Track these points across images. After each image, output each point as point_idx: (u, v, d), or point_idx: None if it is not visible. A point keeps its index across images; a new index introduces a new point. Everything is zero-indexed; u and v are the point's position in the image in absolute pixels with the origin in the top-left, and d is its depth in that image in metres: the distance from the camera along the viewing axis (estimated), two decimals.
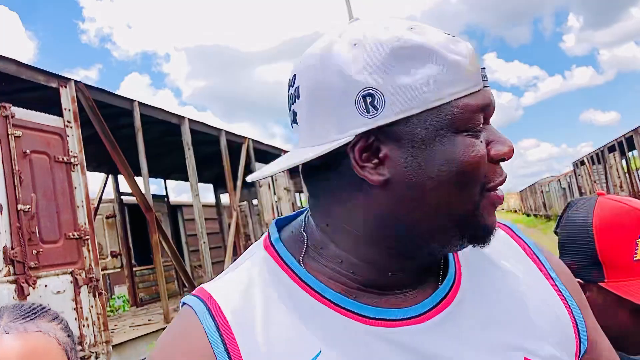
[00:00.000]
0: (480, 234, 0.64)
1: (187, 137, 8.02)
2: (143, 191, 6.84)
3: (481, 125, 0.61)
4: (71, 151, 5.45)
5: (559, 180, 29.20)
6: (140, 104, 7.05)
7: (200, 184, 8.89)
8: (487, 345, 0.64)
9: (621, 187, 19.22)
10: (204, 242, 8.05)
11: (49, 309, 0.97)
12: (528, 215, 41.91)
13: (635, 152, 18.71)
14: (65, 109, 5.52)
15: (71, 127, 5.52)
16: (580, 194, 23.01)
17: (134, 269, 10.54)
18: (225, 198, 14.47)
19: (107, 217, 10.35)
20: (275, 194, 10.99)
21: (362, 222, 0.63)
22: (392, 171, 0.60)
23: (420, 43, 0.60)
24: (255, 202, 13.35)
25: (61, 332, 0.94)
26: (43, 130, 5.19)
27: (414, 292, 0.66)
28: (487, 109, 0.62)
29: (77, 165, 5.49)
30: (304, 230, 0.69)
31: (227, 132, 9.39)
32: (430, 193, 0.60)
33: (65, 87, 5.64)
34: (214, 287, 0.65)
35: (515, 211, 53.43)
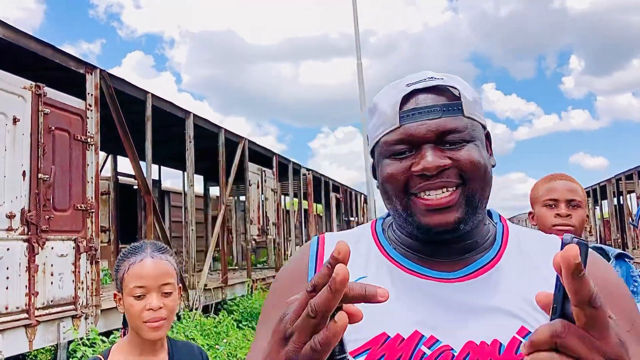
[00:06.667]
0: (420, 230, 0.87)
1: (189, 131, 8.63)
2: (145, 175, 7.44)
3: (406, 152, 0.86)
4: (89, 131, 6.06)
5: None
6: (153, 96, 7.67)
7: None
8: (491, 310, 0.83)
9: (590, 232, 20.15)
10: (192, 229, 8.64)
11: (170, 248, 1.57)
12: None
13: (606, 201, 19.66)
14: (88, 93, 6.13)
15: (91, 110, 6.13)
16: None
17: (120, 245, 11.08)
18: (213, 190, 15.05)
19: (102, 194, 10.89)
20: (263, 193, 11.61)
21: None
22: (377, 177, 0.94)
23: (374, 102, 0.94)
24: (242, 198, 13.92)
25: (176, 264, 1.53)
26: (67, 110, 5.80)
27: (453, 263, 0.89)
28: (407, 140, 0.86)
29: (92, 145, 6.10)
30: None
31: (226, 131, 10.01)
32: (383, 194, 0.91)
33: (91, 73, 6.25)
34: (328, 233, 1.00)
35: None
